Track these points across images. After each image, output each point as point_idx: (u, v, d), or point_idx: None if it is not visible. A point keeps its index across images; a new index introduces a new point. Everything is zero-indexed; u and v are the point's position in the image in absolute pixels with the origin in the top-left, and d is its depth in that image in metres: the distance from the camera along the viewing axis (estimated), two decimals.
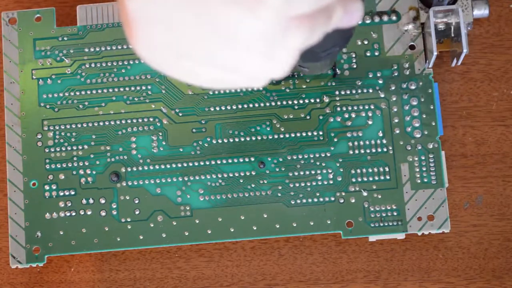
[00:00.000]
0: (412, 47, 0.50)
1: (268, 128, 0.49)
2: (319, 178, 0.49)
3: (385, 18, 0.50)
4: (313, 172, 0.49)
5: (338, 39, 0.38)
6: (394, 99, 0.49)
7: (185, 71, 0.31)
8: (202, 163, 0.49)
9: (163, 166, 0.49)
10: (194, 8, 0.28)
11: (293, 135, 0.49)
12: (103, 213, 0.49)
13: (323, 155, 0.49)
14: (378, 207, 0.48)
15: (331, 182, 0.48)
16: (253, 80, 0.31)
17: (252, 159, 0.49)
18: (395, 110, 0.49)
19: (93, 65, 0.50)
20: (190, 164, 0.49)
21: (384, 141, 0.49)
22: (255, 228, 0.48)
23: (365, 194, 0.48)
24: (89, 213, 0.49)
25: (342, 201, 0.48)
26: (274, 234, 0.48)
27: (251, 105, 0.49)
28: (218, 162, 0.49)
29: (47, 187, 0.49)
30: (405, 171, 0.48)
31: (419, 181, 0.48)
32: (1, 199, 0.51)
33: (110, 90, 0.50)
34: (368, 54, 0.50)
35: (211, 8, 0.28)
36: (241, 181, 0.49)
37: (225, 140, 0.49)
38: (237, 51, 0.29)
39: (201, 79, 0.31)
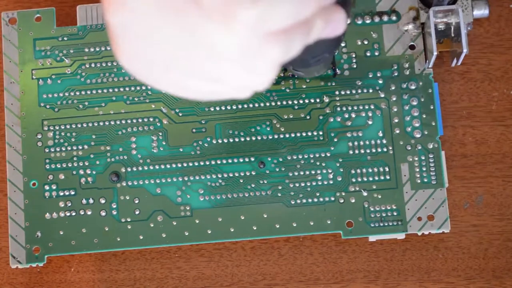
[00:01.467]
0: (412, 47, 0.50)
1: (268, 128, 0.49)
2: (319, 178, 0.49)
3: (385, 18, 0.50)
4: (313, 172, 0.49)
5: (326, 47, 0.38)
6: (394, 99, 0.49)
7: (171, 84, 0.31)
8: (202, 163, 0.49)
9: (163, 166, 0.49)
10: (173, 22, 0.28)
11: (293, 135, 0.49)
12: (103, 213, 0.49)
13: (323, 155, 0.49)
14: (378, 207, 0.48)
15: (331, 182, 0.48)
16: (238, 92, 0.32)
17: (252, 159, 0.49)
18: (395, 110, 0.49)
19: (93, 65, 0.50)
20: (190, 164, 0.49)
21: (384, 141, 0.49)
22: (255, 228, 0.48)
23: (365, 194, 0.48)
24: (89, 213, 0.49)
25: (342, 201, 0.48)
26: (274, 234, 0.48)
27: (251, 105, 0.49)
28: (218, 162, 0.49)
29: (47, 187, 0.49)
30: (405, 171, 0.48)
31: (419, 181, 0.48)
32: (1, 199, 0.51)
33: (110, 90, 0.50)
34: (368, 54, 0.50)
35: (190, 23, 0.28)
36: (241, 181, 0.49)
37: (225, 140, 0.49)
38: (218, 64, 0.29)
39: (188, 91, 0.31)
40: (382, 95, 0.49)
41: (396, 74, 0.49)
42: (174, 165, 0.49)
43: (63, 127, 0.50)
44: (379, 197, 0.48)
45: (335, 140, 0.49)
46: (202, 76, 0.30)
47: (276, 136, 0.49)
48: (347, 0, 0.35)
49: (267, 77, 0.31)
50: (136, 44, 0.29)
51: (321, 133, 0.49)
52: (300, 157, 0.49)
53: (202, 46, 0.28)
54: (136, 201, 0.49)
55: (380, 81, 0.49)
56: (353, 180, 0.48)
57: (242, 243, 0.50)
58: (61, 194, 0.49)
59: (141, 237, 0.49)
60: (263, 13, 0.28)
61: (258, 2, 0.28)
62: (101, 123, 0.50)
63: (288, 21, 0.29)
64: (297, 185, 0.49)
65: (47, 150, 0.49)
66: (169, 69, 0.30)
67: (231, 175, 0.49)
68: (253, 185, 0.49)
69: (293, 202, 0.48)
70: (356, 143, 0.49)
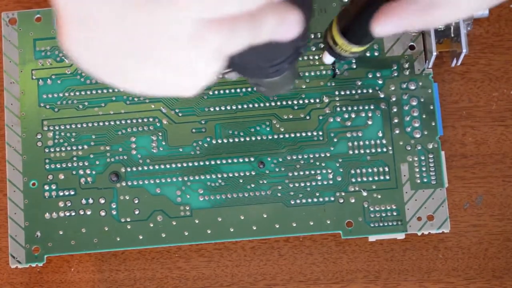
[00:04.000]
0: (411, 47, 0.50)
1: (268, 128, 0.49)
2: (319, 178, 0.49)
3: None
4: (312, 172, 0.49)
5: (284, 53, 0.36)
6: (394, 99, 0.49)
7: (113, 75, 0.30)
8: (201, 163, 0.49)
9: (162, 166, 0.49)
10: (114, 7, 0.27)
11: (292, 135, 0.49)
12: (102, 213, 0.49)
13: (322, 155, 0.49)
14: (377, 207, 0.48)
15: (330, 182, 0.48)
16: (180, 86, 0.31)
17: (252, 159, 0.49)
18: (395, 110, 0.49)
19: None
20: (190, 164, 0.49)
21: (384, 141, 0.49)
22: (254, 228, 0.48)
23: (364, 194, 0.48)
24: (88, 213, 0.49)
25: (341, 201, 0.48)
26: (274, 234, 0.48)
27: (250, 105, 0.49)
28: (218, 162, 0.49)
29: (46, 187, 0.49)
30: (404, 171, 0.48)
31: (419, 181, 0.48)
32: (1, 199, 0.51)
33: (110, 90, 0.50)
34: (367, 54, 0.50)
35: (129, 7, 0.27)
36: (241, 181, 0.49)
37: (225, 140, 0.49)
38: (158, 52, 0.28)
39: (131, 82, 0.30)
40: (382, 95, 0.49)
41: (396, 74, 0.49)
42: (173, 165, 0.49)
43: (63, 127, 0.50)
44: (379, 197, 0.48)
45: (335, 140, 0.49)
46: (141, 66, 0.29)
47: (275, 136, 0.49)
48: (306, 4, 0.34)
49: (211, 69, 0.30)
50: (77, 28, 0.28)
51: (320, 133, 0.49)
52: (300, 157, 0.49)
53: (140, 33, 0.27)
54: (136, 201, 0.49)
55: (380, 81, 0.49)
56: (353, 180, 0.48)
57: (242, 243, 0.50)
58: (61, 194, 0.49)
59: (141, 237, 0.49)
60: None
61: None
62: (101, 123, 0.50)
63: (231, 10, 0.28)
64: (296, 185, 0.49)
65: (47, 150, 0.49)
66: (111, 57, 0.29)
67: (230, 175, 0.49)
68: (252, 185, 0.49)
69: (292, 202, 0.48)
70: (355, 143, 0.49)
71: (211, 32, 0.28)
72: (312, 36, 0.50)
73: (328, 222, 0.48)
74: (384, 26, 0.34)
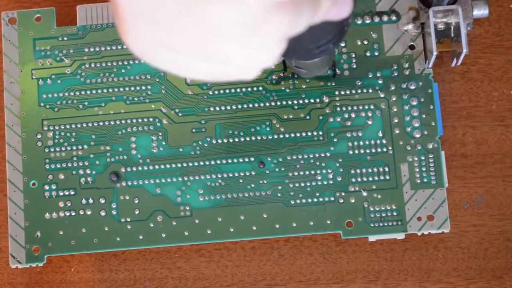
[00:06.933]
0: (412, 47, 0.50)
1: (268, 128, 0.49)
2: (319, 178, 0.49)
3: (385, 18, 0.50)
4: (312, 172, 0.49)
5: (330, 33, 0.38)
6: (394, 99, 0.49)
7: (176, 64, 0.31)
8: (202, 163, 0.49)
9: (162, 166, 0.49)
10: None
11: (293, 135, 0.49)
12: (102, 213, 0.49)
13: (322, 155, 0.49)
14: (377, 207, 0.48)
15: (330, 182, 0.48)
16: (243, 71, 0.31)
17: (252, 159, 0.49)
18: (395, 110, 0.49)
19: (93, 65, 0.50)
20: (190, 164, 0.49)
21: (384, 141, 0.49)
22: (254, 228, 0.48)
23: (365, 194, 0.48)
24: (88, 213, 0.49)
25: (341, 201, 0.48)
26: (274, 234, 0.48)
27: (251, 105, 0.49)
28: (218, 162, 0.49)
29: (46, 187, 0.49)
30: (404, 171, 0.48)
31: (418, 181, 0.48)
32: (1, 199, 0.51)
33: (110, 90, 0.50)
34: (368, 54, 0.50)
35: None
36: (241, 181, 0.49)
37: (225, 140, 0.49)
38: (222, 40, 0.29)
39: (193, 72, 0.31)
40: (382, 95, 0.49)
41: (396, 74, 0.49)
42: (174, 165, 0.49)
43: (63, 127, 0.50)
44: (379, 197, 0.48)
45: (335, 140, 0.49)
46: (206, 56, 0.30)
47: (276, 136, 0.49)
48: None
49: (273, 52, 0.31)
50: (139, 22, 0.29)
51: (321, 133, 0.49)
52: (300, 157, 0.49)
53: (205, 21, 0.28)
54: (136, 201, 0.49)
55: (380, 81, 0.49)
56: (353, 180, 0.48)
57: (242, 243, 0.50)
58: (61, 194, 0.49)
59: (141, 237, 0.49)
60: None
61: None
62: (101, 123, 0.50)
63: None
64: (297, 185, 0.49)
65: (47, 150, 0.49)
66: (172, 49, 0.29)
67: (230, 175, 0.49)
68: (253, 185, 0.49)
69: (292, 202, 0.48)
70: (356, 143, 0.49)
71: (277, 16, 0.29)
72: None
73: (328, 222, 0.48)
74: None
